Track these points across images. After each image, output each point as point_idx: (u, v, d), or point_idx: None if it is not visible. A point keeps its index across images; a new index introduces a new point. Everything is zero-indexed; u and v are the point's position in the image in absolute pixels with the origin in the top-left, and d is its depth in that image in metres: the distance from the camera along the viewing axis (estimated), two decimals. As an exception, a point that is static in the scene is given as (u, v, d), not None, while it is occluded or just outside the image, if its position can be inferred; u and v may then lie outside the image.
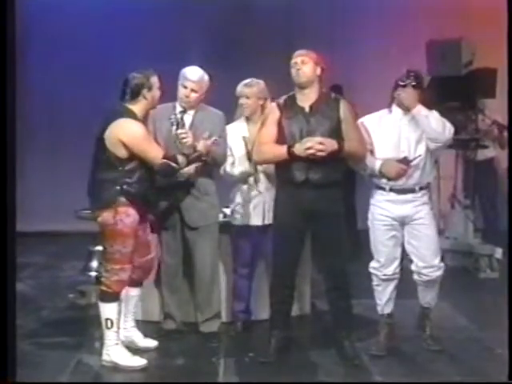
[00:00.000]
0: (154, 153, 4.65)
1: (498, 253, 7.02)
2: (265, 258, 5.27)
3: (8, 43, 3.65)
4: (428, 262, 4.80)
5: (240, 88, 5.25)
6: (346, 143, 4.65)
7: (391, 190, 4.80)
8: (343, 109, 4.73)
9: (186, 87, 5.07)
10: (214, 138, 4.87)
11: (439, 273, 4.84)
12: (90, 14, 8.87)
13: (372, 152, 4.81)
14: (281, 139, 4.72)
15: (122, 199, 4.61)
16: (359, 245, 8.16)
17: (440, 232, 6.29)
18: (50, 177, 9.12)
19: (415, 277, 4.86)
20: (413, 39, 8.25)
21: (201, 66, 5.16)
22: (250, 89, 5.22)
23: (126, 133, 4.58)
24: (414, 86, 4.75)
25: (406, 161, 4.72)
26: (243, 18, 8.98)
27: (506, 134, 7.01)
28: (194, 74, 5.08)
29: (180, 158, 4.71)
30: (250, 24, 8.95)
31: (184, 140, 4.91)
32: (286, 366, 4.74)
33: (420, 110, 4.73)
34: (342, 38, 8.90)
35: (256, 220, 5.22)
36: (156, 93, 4.74)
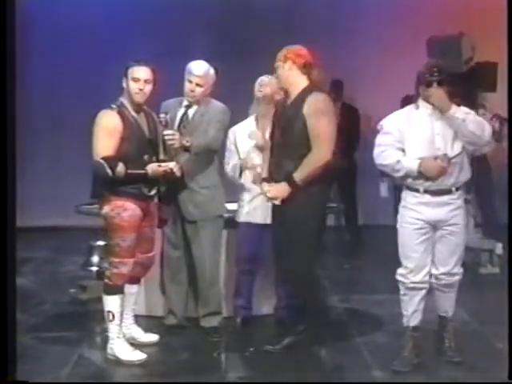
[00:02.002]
0: (100, 149, 4.56)
1: (499, 248, 7.02)
2: (268, 255, 5.23)
3: (8, 42, 3.64)
4: (449, 269, 4.56)
5: (261, 80, 5.17)
6: (299, 171, 4.51)
7: (426, 191, 4.42)
8: (308, 103, 4.53)
9: (191, 82, 5.05)
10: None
11: (457, 278, 4.61)
12: (92, 10, 8.86)
13: (404, 151, 4.43)
14: None
15: (108, 193, 4.63)
16: (360, 240, 8.19)
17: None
18: (51, 172, 9.12)
19: (433, 280, 4.58)
20: (414, 35, 8.23)
21: (206, 61, 5.14)
22: (273, 80, 5.06)
23: (94, 122, 4.62)
24: (439, 83, 4.32)
25: (445, 158, 4.35)
26: (246, 13, 8.96)
27: (506, 126, 6.99)
28: (199, 69, 5.06)
29: (119, 167, 4.53)
30: (252, 19, 8.94)
31: (170, 142, 4.82)
32: (287, 360, 4.73)
33: (455, 113, 4.32)
34: (342, 35, 8.88)
35: (259, 218, 5.18)
36: (129, 83, 4.67)
